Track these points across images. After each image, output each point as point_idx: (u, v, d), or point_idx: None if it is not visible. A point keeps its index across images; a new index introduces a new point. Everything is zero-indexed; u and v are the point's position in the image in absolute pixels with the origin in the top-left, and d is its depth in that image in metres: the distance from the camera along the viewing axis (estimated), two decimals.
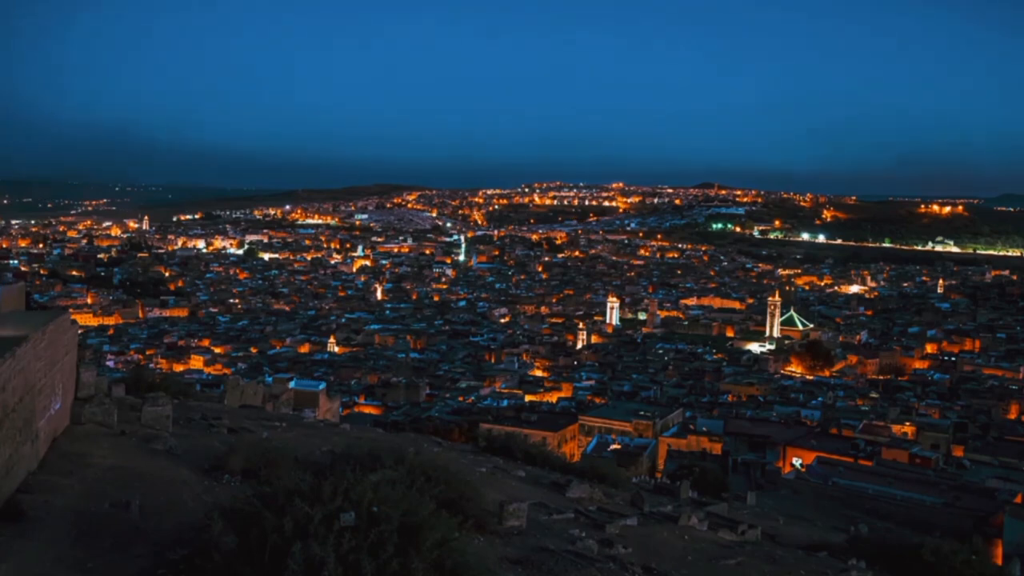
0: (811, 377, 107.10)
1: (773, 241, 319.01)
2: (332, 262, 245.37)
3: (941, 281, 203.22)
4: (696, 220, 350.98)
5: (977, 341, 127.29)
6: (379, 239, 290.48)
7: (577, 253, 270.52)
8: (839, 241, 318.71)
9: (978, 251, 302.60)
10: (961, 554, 14.08)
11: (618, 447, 53.34)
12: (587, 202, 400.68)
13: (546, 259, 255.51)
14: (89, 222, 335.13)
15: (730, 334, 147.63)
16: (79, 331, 18.00)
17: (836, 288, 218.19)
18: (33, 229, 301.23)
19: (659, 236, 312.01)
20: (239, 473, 10.91)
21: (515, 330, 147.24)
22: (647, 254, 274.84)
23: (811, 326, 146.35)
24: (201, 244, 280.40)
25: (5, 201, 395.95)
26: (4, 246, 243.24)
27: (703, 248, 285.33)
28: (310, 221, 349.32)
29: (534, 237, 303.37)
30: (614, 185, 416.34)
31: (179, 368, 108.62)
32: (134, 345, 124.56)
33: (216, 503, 7.94)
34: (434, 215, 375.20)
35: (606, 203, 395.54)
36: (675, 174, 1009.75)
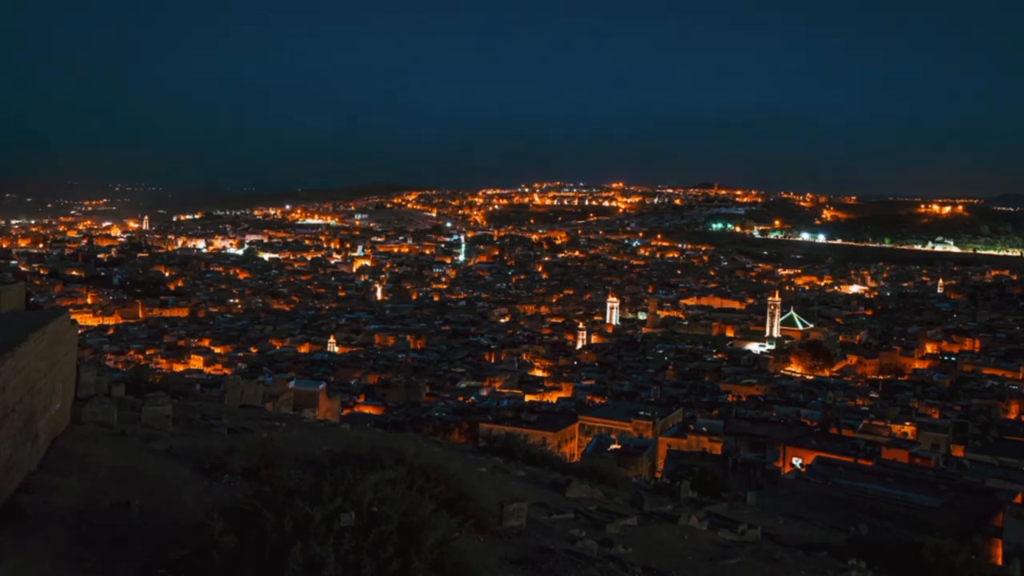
0: (811, 377, 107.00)
1: (773, 241, 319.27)
2: (332, 262, 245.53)
3: (941, 281, 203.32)
4: (696, 220, 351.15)
5: (977, 341, 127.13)
6: (379, 239, 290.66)
7: (577, 253, 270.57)
8: (839, 241, 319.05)
9: (978, 251, 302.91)
10: (961, 554, 14.07)
11: (618, 447, 53.34)
12: (587, 202, 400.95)
13: (546, 259, 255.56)
14: (89, 222, 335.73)
15: (730, 334, 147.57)
16: (79, 331, 18.00)
17: (836, 288, 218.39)
18: (33, 229, 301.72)
19: (659, 236, 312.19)
20: (239, 473, 10.90)
21: (515, 330, 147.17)
22: (647, 254, 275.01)
23: (811, 326, 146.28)
24: (201, 244, 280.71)
25: (5, 201, 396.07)
26: (4, 246, 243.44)
27: (703, 248, 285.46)
28: (310, 221, 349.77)
29: (534, 237, 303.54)
30: (614, 185, 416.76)
31: (179, 368, 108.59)
32: (134, 345, 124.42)
33: (216, 503, 7.94)
34: (434, 215, 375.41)
35: (606, 203, 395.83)
36: (675, 174, 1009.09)
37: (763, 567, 12.27)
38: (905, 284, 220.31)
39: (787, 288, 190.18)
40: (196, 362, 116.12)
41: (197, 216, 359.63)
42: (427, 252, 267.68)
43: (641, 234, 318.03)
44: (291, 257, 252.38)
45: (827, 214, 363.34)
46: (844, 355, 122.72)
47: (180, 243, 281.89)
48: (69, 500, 9.10)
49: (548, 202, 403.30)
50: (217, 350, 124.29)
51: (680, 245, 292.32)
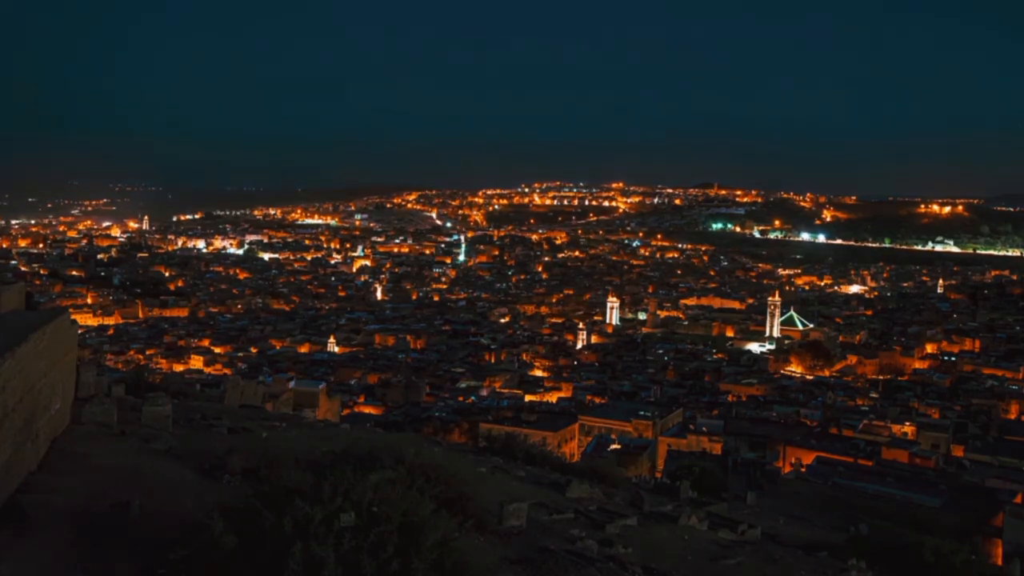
0: (811, 377, 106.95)
1: (773, 241, 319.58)
2: (332, 262, 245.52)
3: (941, 281, 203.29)
4: (696, 220, 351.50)
5: (977, 341, 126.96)
6: (379, 239, 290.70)
7: (577, 253, 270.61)
8: (839, 241, 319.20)
9: (978, 251, 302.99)
10: (961, 554, 14.08)
11: (618, 447, 53.37)
12: (587, 202, 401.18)
13: (546, 259, 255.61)
14: (89, 222, 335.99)
15: (730, 334, 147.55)
16: (79, 331, 18.00)
17: (836, 288, 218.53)
18: (33, 229, 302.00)
19: (659, 236, 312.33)
20: (239, 473, 10.90)
21: (515, 330, 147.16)
22: (647, 254, 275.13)
23: (811, 326, 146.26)
24: (201, 244, 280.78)
25: (5, 201, 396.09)
26: (4, 246, 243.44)
27: (703, 248, 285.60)
28: (310, 221, 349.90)
29: (534, 237, 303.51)
30: (614, 185, 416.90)
31: (179, 368, 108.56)
32: (134, 345, 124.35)
33: (216, 503, 7.94)
34: (434, 215, 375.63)
35: (606, 203, 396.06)
36: (675, 174, 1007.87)
37: (763, 567, 12.28)
38: (905, 284, 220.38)
39: (787, 288, 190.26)
40: (196, 362, 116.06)
41: (197, 216, 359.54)
42: (427, 252, 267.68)
43: (641, 234, 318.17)
44: (291, 257, 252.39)
45: (827, 214, 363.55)
46: (844, 355, 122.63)
47: (180, 243, 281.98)
48: (69, 500, 9.11)
49: (548, 202, 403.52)
50: (217, 350, 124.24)
51: (680, 245, 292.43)
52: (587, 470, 19.13)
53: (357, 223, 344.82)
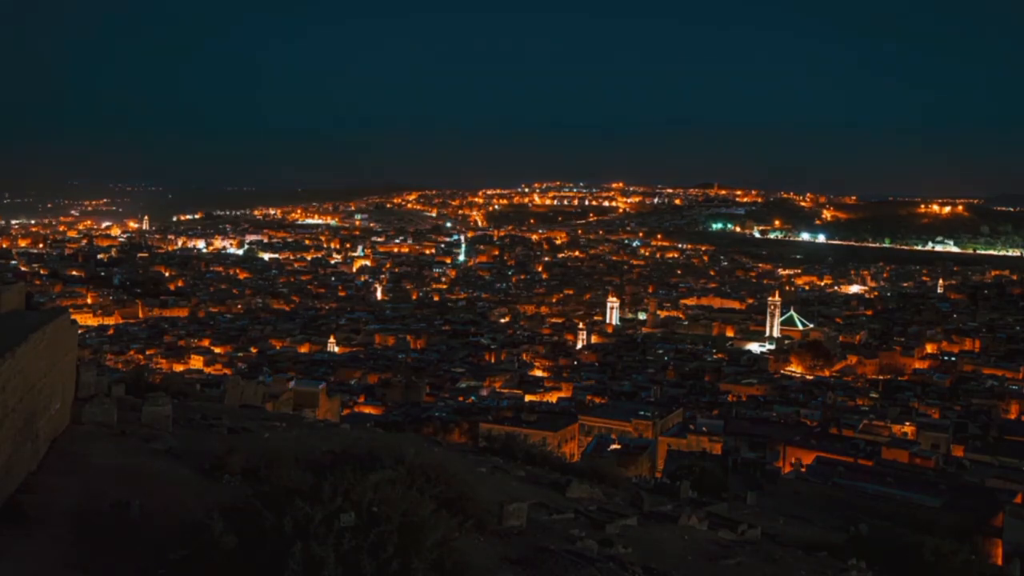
0: (811, 377, 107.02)
1: (773, 241, 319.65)
2: (332, 262, 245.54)
3: (941, 281, 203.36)
4: (696, 220, 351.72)
5: (977, 341, 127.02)
6: (379, 239, 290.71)
7: (577, 253, 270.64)
8: (839, 241, 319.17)
9: (978, 251, 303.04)
10: (961, 554, 14.09)
11: (618, 447, 53.37)
12: (587, 202, 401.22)
13: (546, 259, 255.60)
14: (89, 222, 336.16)
15: (730, 334, 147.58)
16: (79, 331, 18.01)
17: (836, 288, 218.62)
18: (33, 229, 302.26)
19: (659, 236, 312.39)
20: (239, 473, 10.91)
21: (515, 330, 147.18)
22: (647, 254, 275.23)
23: (811, 326, 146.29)
24: (201, 244, 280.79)
25: (6, 200, 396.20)
26: (4, 246, 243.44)
27: (703, 248, 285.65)
28: (310, 221, 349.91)
29: (534, 237, 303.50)
30: (614, 185, 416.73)
31: (179, 368, 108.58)
32: (134, 345, 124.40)
33: (216, 503, 7.94)
34: (434, 215, 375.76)
35: (606, 203, 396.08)
36: (675, 174, 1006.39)
37: (763, 567, 12.28)
38: (905, 284, 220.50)
39: (787, 288, 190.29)
40: (196, 362, 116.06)
41: (197, 216, 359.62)
42: (427, 252, 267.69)
43: (641, 234, 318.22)
44: (291, 257, 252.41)
45: (827, 214, 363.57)
46: (844, 355, 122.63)
47: (180, 243, 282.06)
48: (69, 500, 9.11)
49: (548, 202, 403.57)
50: (217, 350, 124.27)
51: (680, 245, 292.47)
52: (587, 470, 19.13)
53: (357, 223, 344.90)
